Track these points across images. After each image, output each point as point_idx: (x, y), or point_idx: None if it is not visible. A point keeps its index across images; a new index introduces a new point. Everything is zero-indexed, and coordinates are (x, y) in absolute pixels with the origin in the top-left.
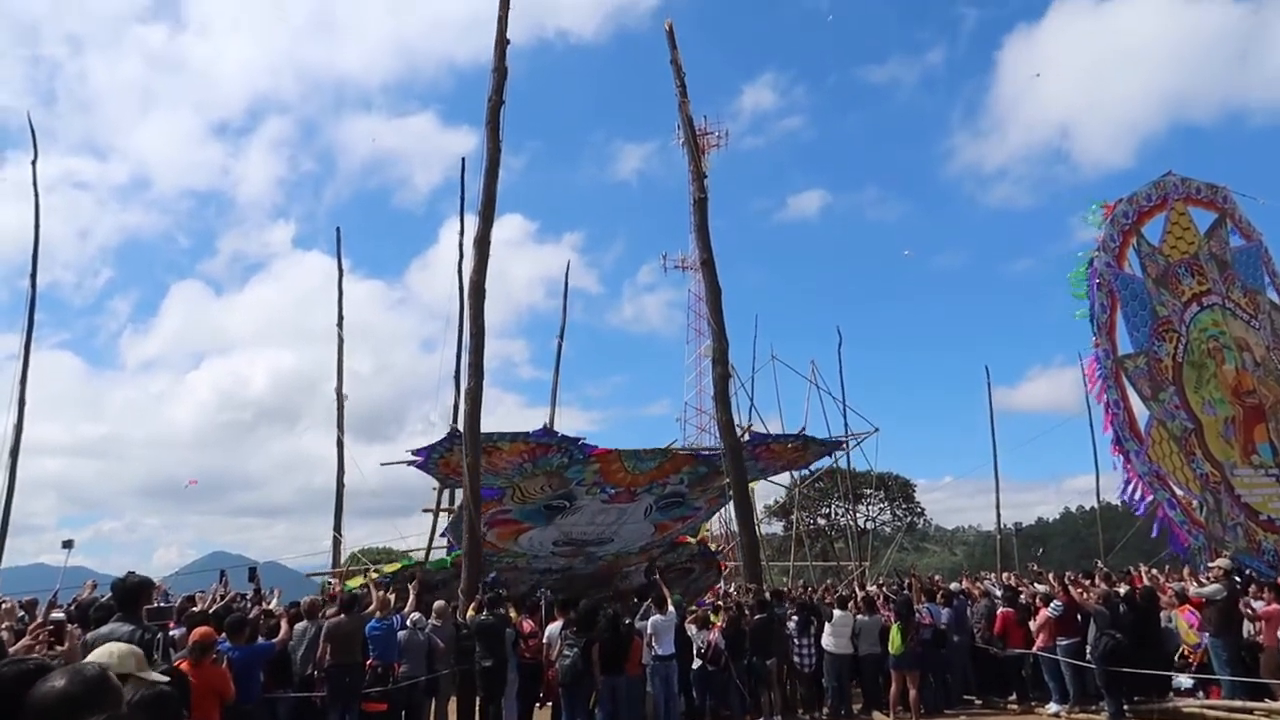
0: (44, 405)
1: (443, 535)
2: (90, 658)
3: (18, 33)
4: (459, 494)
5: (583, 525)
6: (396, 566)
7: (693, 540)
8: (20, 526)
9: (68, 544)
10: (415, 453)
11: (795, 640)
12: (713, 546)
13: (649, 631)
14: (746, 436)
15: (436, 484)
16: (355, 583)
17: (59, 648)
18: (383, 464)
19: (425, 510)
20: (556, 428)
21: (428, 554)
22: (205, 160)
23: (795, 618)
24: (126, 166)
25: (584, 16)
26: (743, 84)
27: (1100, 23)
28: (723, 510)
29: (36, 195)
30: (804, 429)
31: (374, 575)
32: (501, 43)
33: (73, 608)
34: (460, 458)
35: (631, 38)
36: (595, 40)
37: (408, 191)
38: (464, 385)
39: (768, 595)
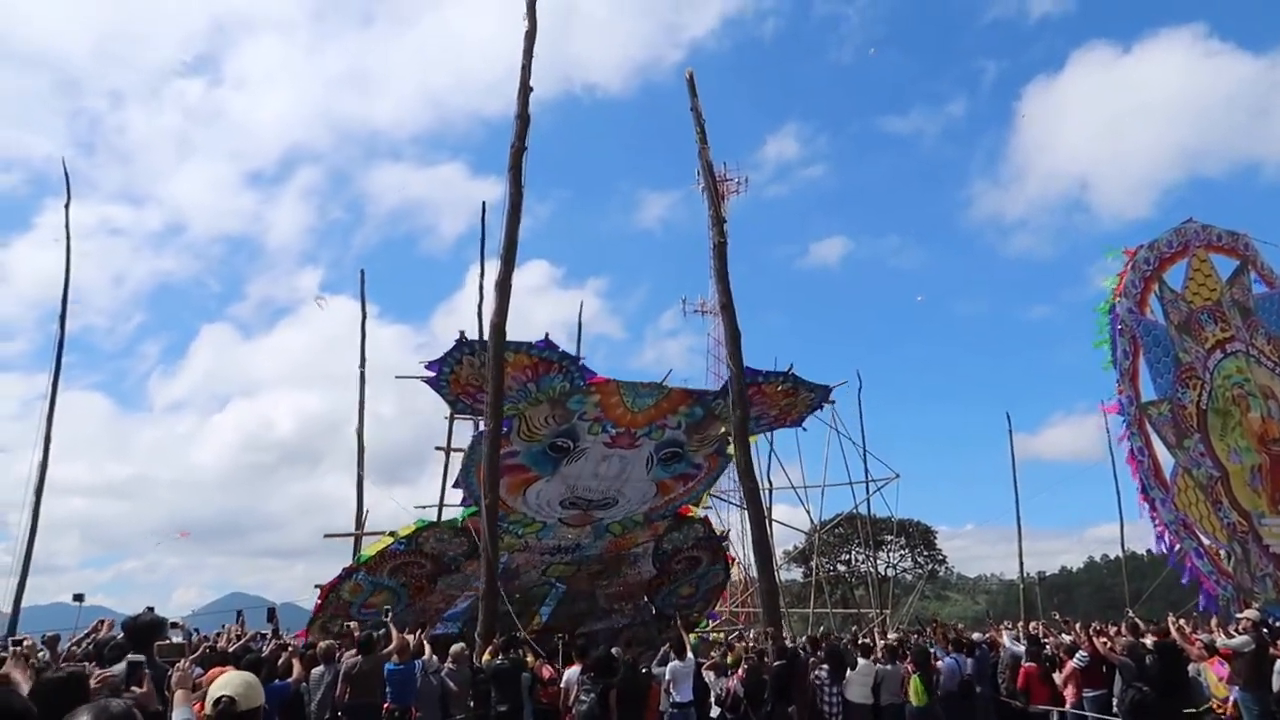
0: (73, 445)
1: (455, 486)
2: (213, 689)
3: (61, 86)
4: (469, 427)
5: (587, 478)
6: (411, 529)
7: (696, 511)
8: (43, 565)
9: (78, 598)
10: (428, 366)
11: (825, 689)
12: (717, 531)
13: (667, 678)
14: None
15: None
16: (375, 549)
17: (135, 689)
18: (398, 376)
19: (438, 448)
20: None
21: (440, 512)
22: (238, 208)
23: (825, 666)
24: (161, 214)
25: (610, 71)
26: (767, 134)
27: (1119, 76)
28: (741, 555)
29: (68, 238)
30: (793, 370)
31: (389, 539)
32: (525, 90)
33: (90, 646)
34: (469, 369)
35: (656, 91)
36: (621, 94)
37: (434, 239)
38: (484, 427)
39: (793, 642)
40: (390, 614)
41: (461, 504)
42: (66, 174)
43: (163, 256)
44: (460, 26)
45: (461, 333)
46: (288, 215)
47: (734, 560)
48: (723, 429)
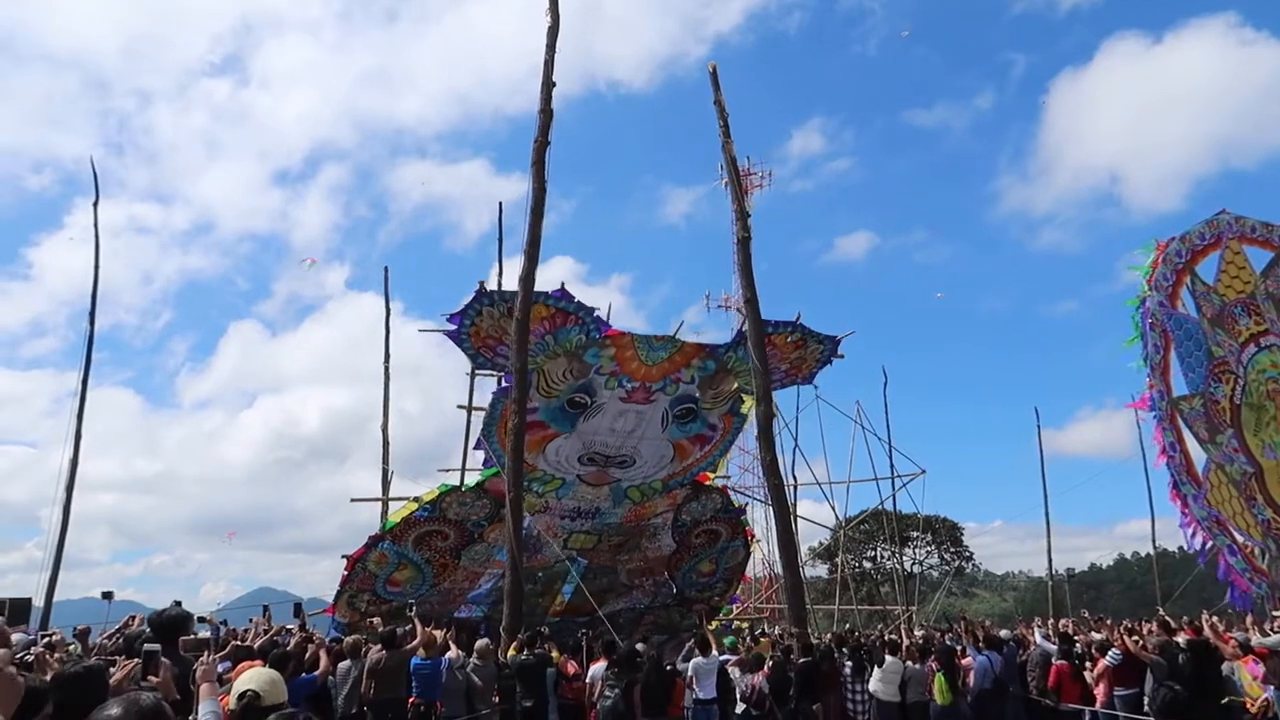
0: (103, 441)
1: (476, 447)
2: (238, 684)
3: (90, 86)
4: (491, 384)
5: (604, 433)
6: (434, 494)
7: (713, 478)
8: (74, 560)
9: (107, 595)
10: (449, 319)
11: (850, 686)
12: (735, 504)
13: (690, 674)
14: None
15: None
16: (399, 515)
17: (153, 678)
18: (421, 330)
19: (460, 406)
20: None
21: (463, 476)
22: (265, 206)
23: (850, 662)
24: (189, 213)
25: (634, 68)
26: (792, 128)
27: (1149, 66)
28: (765, 551)
29: (97, 235)
30: (800, 320)
31: (413, 505)
32: (547, 85)
33: (120, 640)
34: (489, 321)
35: (680, 87)
36: (645, 90)
37: (458, 235)
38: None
39: (818, 639)
40: (414, 608)
41: (483, 464)
42: (95, 173)
43: (191, 254)
44: (484, 25)
45: (481, 283)
46: (314, 213)
47: (753, 536)
48: (735, 384)
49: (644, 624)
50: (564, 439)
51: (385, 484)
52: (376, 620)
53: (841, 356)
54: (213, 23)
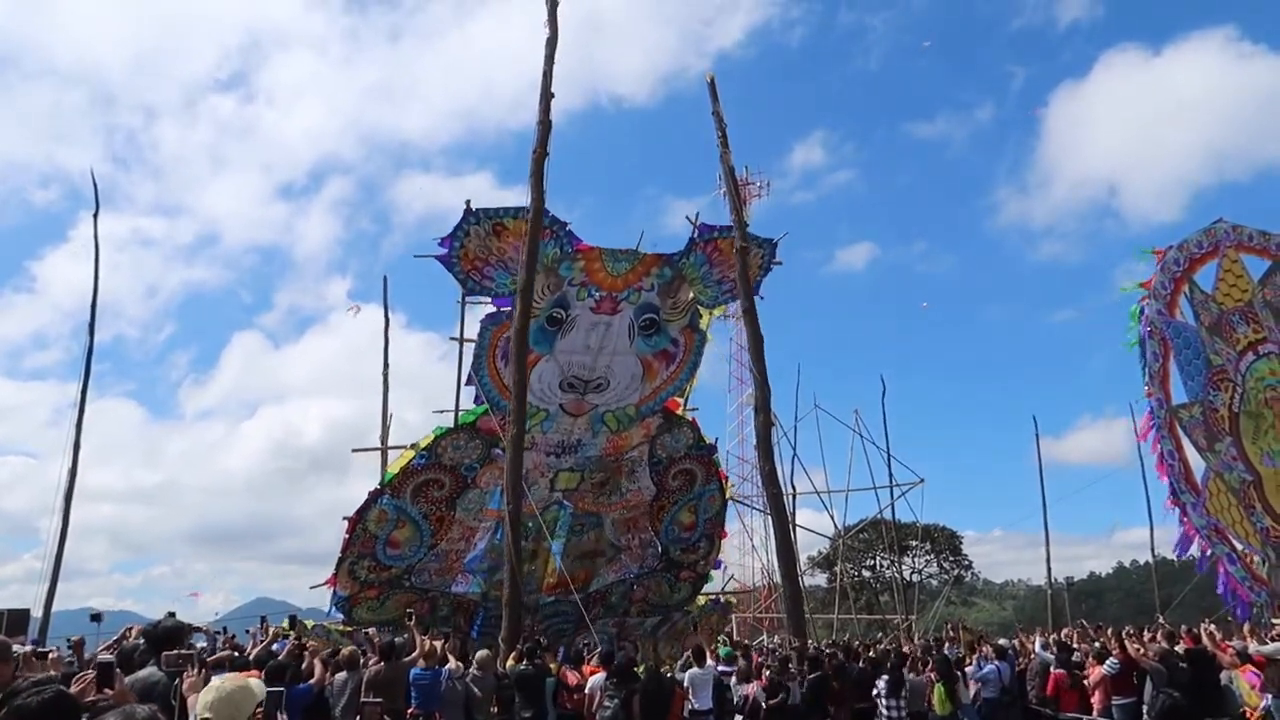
0: (104, 453)
1: (468, 384)
2: (196, 708)
3: (97, 101)
4: (480, 312)
5: (579, 351)
6: (430, 439)
7: (682, 407)
8: (73, 570)
9: (96, 618)
10: (440, 243)
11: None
12: (707, 440)
13: (686, 684)
14: (696, 232)
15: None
16: (398, 465)
17: (108, 690)
18: (416, 256)
19: (451, 338)
20: None
21: (456, 414)
22: (269, 219)
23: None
24: (194, 225)
25: (635, 81)
26: (793, 141)
27: (1148, 78)
28: (764, 561)
29: (97, 248)
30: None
31: (410, 454)
32: (546, 96)
33: (117, 652)
34: (477, 240)
35: (682, 101)
36: (648, 103)
37: None
38: (508, 433)
39: (816, 650)
40: (413, 617)
41: (475, 402)
42: (95, 185)
43: (194, 267)
44: (488, 41)
45: (468, 202)
46: (317, 225)
47: (726, 478)
48: (691, 293)
49: (636, 599)
50: (545, 363)
51: (384, 430)
52: (372, 630)
53: (780, 263)
54: (220, 39)
